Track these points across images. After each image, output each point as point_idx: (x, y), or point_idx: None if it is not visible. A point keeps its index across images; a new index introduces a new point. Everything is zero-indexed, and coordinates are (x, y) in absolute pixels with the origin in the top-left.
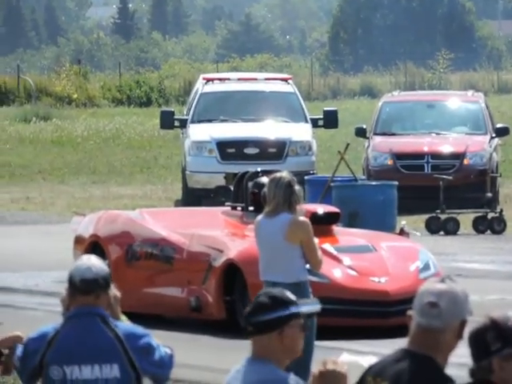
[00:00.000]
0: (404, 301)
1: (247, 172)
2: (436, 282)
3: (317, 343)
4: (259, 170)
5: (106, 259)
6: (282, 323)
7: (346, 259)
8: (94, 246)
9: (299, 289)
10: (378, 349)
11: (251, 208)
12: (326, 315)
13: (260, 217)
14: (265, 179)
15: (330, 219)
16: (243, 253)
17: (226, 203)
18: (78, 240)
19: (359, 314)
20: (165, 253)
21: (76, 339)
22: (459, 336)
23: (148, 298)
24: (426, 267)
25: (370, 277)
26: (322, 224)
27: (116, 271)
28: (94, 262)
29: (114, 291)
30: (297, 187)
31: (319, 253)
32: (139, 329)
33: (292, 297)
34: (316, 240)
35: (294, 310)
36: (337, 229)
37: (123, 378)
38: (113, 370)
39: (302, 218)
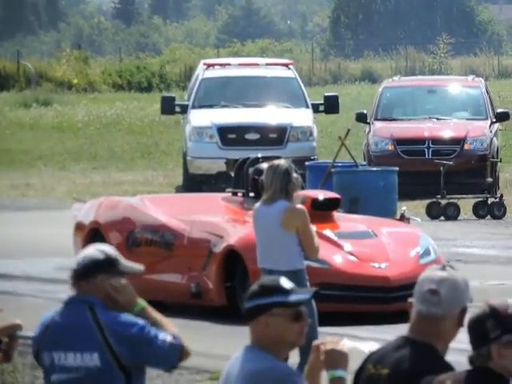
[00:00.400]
0: (404, 286)
1: (248, 158)
2: (436, 269)
3: (318, 329)
4: (260, 156)
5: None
6: (261, 311)
7: (347, 245)
8: (95, 232)
9: (296, 276)
10: (379, 335)
11: (252, 194)
12: (326, 301)
13: (257, 204)
14: (265, 165)
15: (330, 205)
16: (243, 239)
17: (227, 189)
18: (79, 226)
19: (360, 299)
20: (165, 239)
21: (63, 326)
22: (459, 324)
23: (149, 284)
24: (427, 253)
25: (370, 262)
26: (323, 210)
27: None
28: (88, 251)
29: (117, 280)
30: (294, 175)
31: (316, 240)
32: (130, 318)
33: (282, 285)
34: (313, 227)
35: (276, 298)
36: (337, 215)
37: (104, 367)
38: (93, 359)
39: (298, 206)
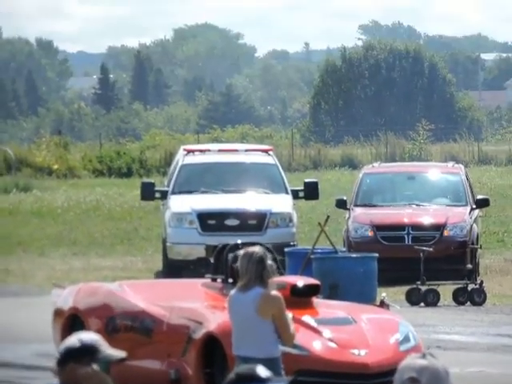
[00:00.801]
0: (384, 373)
1: (227, 244)
2: (417, 357)
3: None
4: (239, 242)
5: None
6: None
7: (326, 331)
8: (74, 318)
9: (272, 364)
10: None
11: (230, 280)
12: None
13: (233, 291)
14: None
15: (310, 291)
16: (223, 325)
17: (206, 275)
18: (58, 312)
19: None
20: (144, 325)
21: None
22: None
23: (128, 370)
24: (406, 339)
25: (349, 349)
26: (302, 296)
27: None
28: (69, 339)
29: (85, 368)
30: (269, 262)
31: (292, 327)
32: None
33: (258, 374)
34: (290, 315)
35: None
36: (316, 301)
37: None
38: None
39: (274, 293)
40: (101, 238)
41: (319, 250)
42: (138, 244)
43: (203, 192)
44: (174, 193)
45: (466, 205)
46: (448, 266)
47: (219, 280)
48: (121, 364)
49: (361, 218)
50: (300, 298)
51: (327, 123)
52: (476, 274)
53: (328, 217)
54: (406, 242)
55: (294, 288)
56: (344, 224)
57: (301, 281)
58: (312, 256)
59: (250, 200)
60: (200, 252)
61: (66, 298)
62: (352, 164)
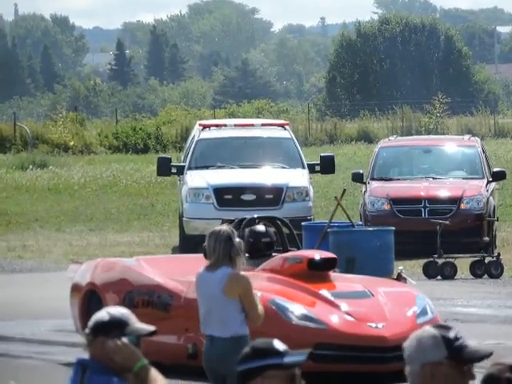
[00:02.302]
0: (402, 346)
1: (244, 218)
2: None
3: None
4: (256, 216)
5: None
6: (255, 374)
7: (343, 305)
8: (91, 294)
9: (238, 343)
10: None
11: (247, 255)
12: (323, 361)
13: (201, 270)
14: (261, 227)
15: (326, 265)
16: None
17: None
18: (75, 288)
19: (357, 359)
20: (162, 300)
21: None
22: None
23: (146, 345)
24: (424, 312)
25: (367, 322)
26: (319, 270)
27: None
28: (98, 313)
29: (114, 341)
30: (237, 240)
31: (260, 307)
32: (109, 382)
33: (276, 347)
34: (258, 294)
35: (270, 361)
36: (334, 275)
37: None
38: None
39: (241, 273)
40: (117, 214)
41: (336, 224)
42: (155, 219)
43: (219, 167)
44: (190, 168)
45: (483, 178)
46: (465, 239)
47: None
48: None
49: (377, 191)
50: (317, 271)
51: (343, 97)
52: (493, 246)
53: (344, 190)
54: (423, 216)
55: (310, 262)
56: (360, 198)
57: (318, 254)
58: (329, 230)
59: (267, 175)
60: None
61: (84, 273)
62: (368, 138)
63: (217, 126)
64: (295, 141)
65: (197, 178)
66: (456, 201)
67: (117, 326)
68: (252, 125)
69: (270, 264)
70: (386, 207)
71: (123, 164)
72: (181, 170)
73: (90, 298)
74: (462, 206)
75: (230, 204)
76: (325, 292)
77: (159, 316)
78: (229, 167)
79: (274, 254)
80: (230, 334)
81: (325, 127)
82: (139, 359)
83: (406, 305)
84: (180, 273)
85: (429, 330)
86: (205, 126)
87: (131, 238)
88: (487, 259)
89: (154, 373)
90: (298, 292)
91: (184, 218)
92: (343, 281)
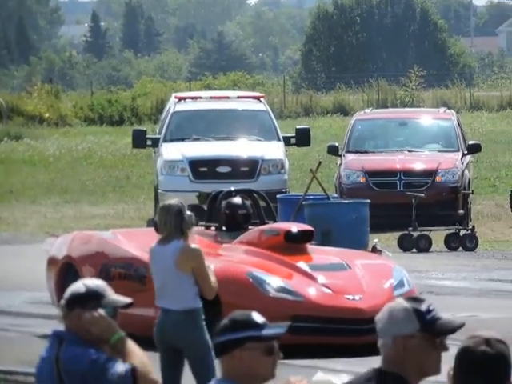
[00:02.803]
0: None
1: (221, 191)
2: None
3: (291, 362)
4: (232, 189)
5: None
6: (234, 346)
7: (321, 277)
8: (68, 266)
9: (191, 316)
10: (353, 367)
11: (224, 228)
12: (300, 333)
13: (154, 244)
14: (237, 199)
15: (303, 237)
16: (217, 272)
17: (200, 223)
18: (51, 261)
19: (334, 331)
20: (138, 272)
21: (40, 361)
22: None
23: (122, 317)
24: (401, 284)
25: (344, 295)
26: (296, 242)
27: None
28: (73, 285)
29: (91, 312)
30: (188, 213)
31: (213, 280)
32: (85, 354)
33: (254, 319)
34: (211, 267)
35: (249, 333)
36: (311, 247)
37: None
38: None
39: (193, 246)
40: (92, 186)
41: (311, 197)
42: (130, 192)
43: (195, 139)
44: (165, 140)
45: (458, 150)
46: (440, 212)
47: (213, 228)
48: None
49: (352, 164)
50: (294, 243)
51: (319, 70)
52: (468, 219)
53: (320, 163)
54: (398, 188)
55: (287, 234)
56: (336, 170)
57: (294, 227)
58: (304, 202)
59: (242, 147)
60: (192, 199)
61: (60, 246)
62: (344, 110)
63: (192, 98)
64: (271, 113)
65: (172, 151)
66: (431, 174)
67: (93, 298)
68: (227, 97)
69: (246, 236)
70: (362, 180)
71: (98, 136)
72: (156, 143)
73: (66, 271)
74: (437, 179)
75: (205, 176)
76: (302, 264)
77: (135, 288)
78: (204, 140)
79: (250, 226)
80: (182, 307)
81: (300, 100)
82: (116, 331)
83: (383, 277)
84: None
85: (401, 302)
86: (180, 99)
87: (106, 210)
88: (462, 232)
89: (131, 344)
90: (275, 264)
91: (159, 191)
92: (320, 253)
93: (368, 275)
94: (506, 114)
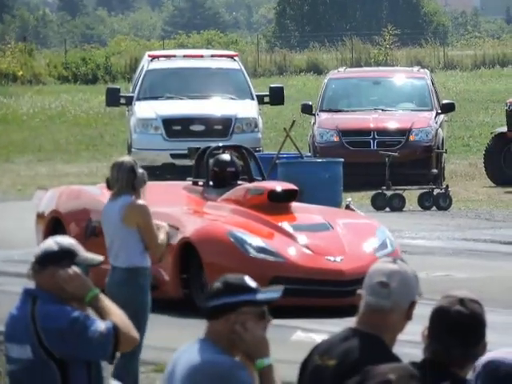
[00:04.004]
0: (359, 280)
1: (209, 147)
2: (387, 261)
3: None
4: (220, 145)
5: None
6: (230, 310)
7: (302, 237)
8: (55, 222)
9: (134, 274)
10: (333, 327)
11: (211, 183)
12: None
13: (106, 200)
14: (226, 156)
15: (287, 196)
16: (199, 231)
17: (188, 178)
18: (40, 216)
19: (314, 293)
20: None
21: (11, 319)
22: (408, 317)
23: (106, 275)
24: (383, 246)
25: (325, 256)
26: (280, 201)
27: None
28: (45, 243)
29: (65, 271)
30: (140, 171)
31: (161, 237)
32: (63, 312)
33: (248, 284)
34: (165, 225)
35: (245, 297)
36: (295, 206)
37: (36, 360)
38: (26, 351)
39: (139, 202)
40: (66, 145)
41: (285, 155)
42: (104, 150)
43: (168, 98)
44: (139, 99)
45: (432, 109)
46: (413, 171)
47: (200, 183)
48: (98, 268)
49: (326, 123)
50: (277, 203)
51: (293, 29)
52: (441, 178)
53: (293, 122)
54: (372, 147)
55: (271, 193)
56: (309, 129)
57: (279, 186)
58: (277, 161)
59: (216, 105)
60: (165, 158)
61: (48, 201)
62: (317, 69)
63: (166, 56)
64: (244, 72)
65: (145, 109)
66: (405, 132)
67: (67, 256)
68: (201, 56)
69: (232, 194)
70: (335, 139)
71: (72, 94)
72: (129, 101)
73: (53, 226)
74: (411, 138)
75: (178, 135)
76: (284, 224)
77: None
78: (178, 98)
79: (239, 182)
80: (127, 265)
81: (274, 58)
82: (90, 289)
83: (365, 238)
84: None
85: (407, 267)
86: (154, 57)
87: (80, 168)
88: (436, 191)
89: (107, 302)
90: (257, 224)
91: (132, 149)
92: (304, 212)
93: (350, 235)
94: (479, 73)
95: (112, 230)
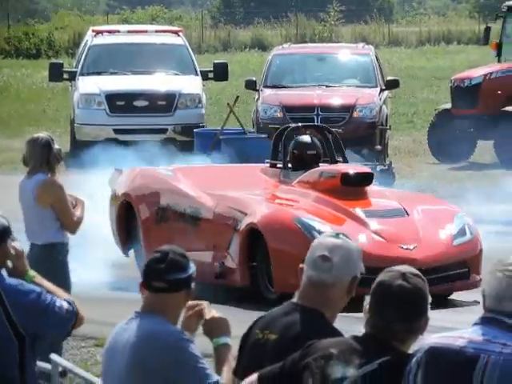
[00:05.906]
0: (434, 269)
1: (288, 127)
2: (330, 236)
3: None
4: (300, 124)
5: (137, 219)
6: (187, 284)
7: (374, 224)
8: (127, 204)
9: (52, 251)
10: None
11: (290, 166)
12: None
13: (22, 178)
14: (307, 138)
15: (361, 180)
16: (265, 217)
17: (266, 160)
18: (113, 197)
19: None
20: (192, 214)
21: None
22: (349, 292)
23: None
24: (462, 233)
25: (397, 243)
26: (353, 185)
27: (146, 232)
28: None
29: (16, 245)
30: (56, 147)
31: (77, 214)
32: (28, 286)
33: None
34: (83, 200)
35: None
36: (371, 190)
37: (3, 335)
38: None
39: (52, 180)
40: (8, 120)
41: (228, 131)
42: (46, 125)
43: (112, 73)
44: (82, 74)
45: (376, 86)
46: (357, 147)
47: (279, 165)
48: None
49: (270, 98)
50: (351, 187)
51: (237, 5)
52: (385, 155)
53: (237, 97)
54: (316, 123)
55: (344, 177)
56: (253, 105)
57: (352, 169)
58: (221, 137)
59: (159, 81)
60: (108, 133)
61: (122, 182)
62: (262, 46)
63: (110, 32)
64: (188, 48)
65: (89, 84)
66: (349, 109)
67: (7, 233)
68: (145, 31)
69: (306, 177)
70: (279, 115)
71: (14, 69)
72: (73, 76)
73: (125, 209)
74: (355, 114)
75: (122, 110)
76: (356, 210)
77: (190, 231)
78: (121, 73)
79: (320, 165)
80: (43, 241)
81: (219, 34)
82: (28, 267)
83: (442, 224)
84: (217, 185)
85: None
86: (98, 32)
87: (22, 143)
88: (379, 167)
89: (45, 282)
90: (327, 209)
91: (75, 124)
92: (379, 197)
93: (426, 222)
94: (424, 50)
95: (27, 208)
